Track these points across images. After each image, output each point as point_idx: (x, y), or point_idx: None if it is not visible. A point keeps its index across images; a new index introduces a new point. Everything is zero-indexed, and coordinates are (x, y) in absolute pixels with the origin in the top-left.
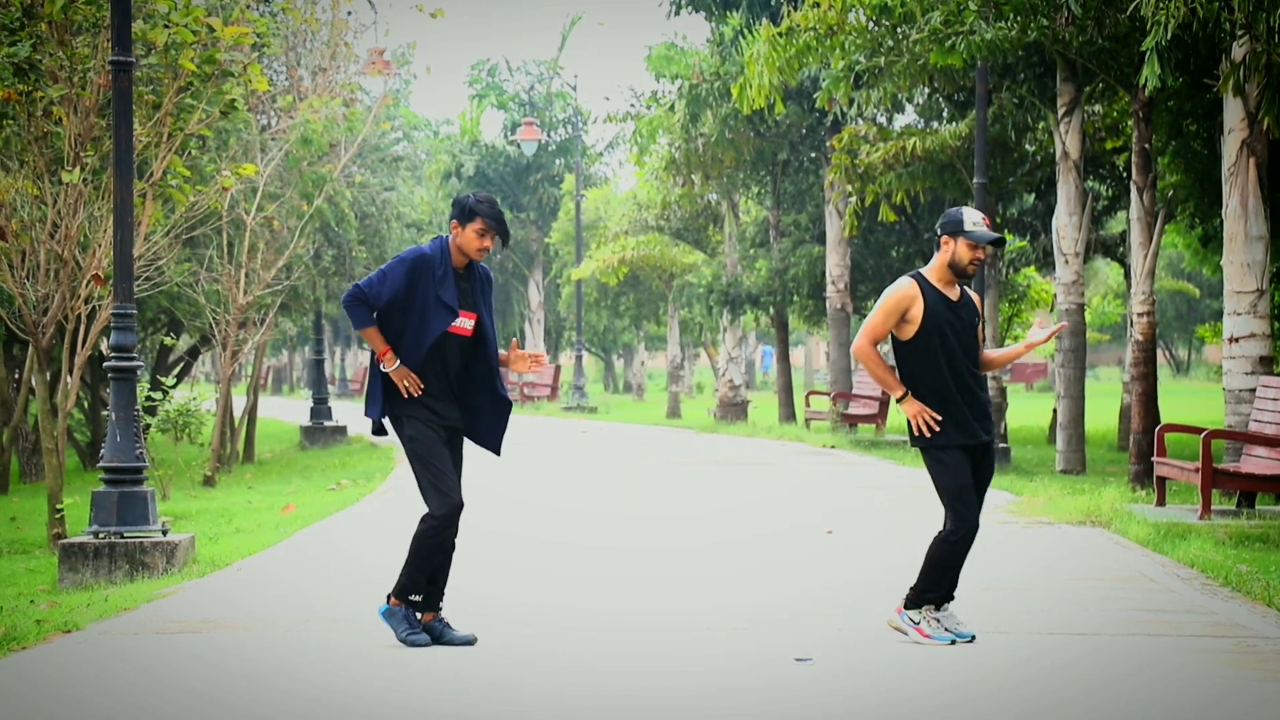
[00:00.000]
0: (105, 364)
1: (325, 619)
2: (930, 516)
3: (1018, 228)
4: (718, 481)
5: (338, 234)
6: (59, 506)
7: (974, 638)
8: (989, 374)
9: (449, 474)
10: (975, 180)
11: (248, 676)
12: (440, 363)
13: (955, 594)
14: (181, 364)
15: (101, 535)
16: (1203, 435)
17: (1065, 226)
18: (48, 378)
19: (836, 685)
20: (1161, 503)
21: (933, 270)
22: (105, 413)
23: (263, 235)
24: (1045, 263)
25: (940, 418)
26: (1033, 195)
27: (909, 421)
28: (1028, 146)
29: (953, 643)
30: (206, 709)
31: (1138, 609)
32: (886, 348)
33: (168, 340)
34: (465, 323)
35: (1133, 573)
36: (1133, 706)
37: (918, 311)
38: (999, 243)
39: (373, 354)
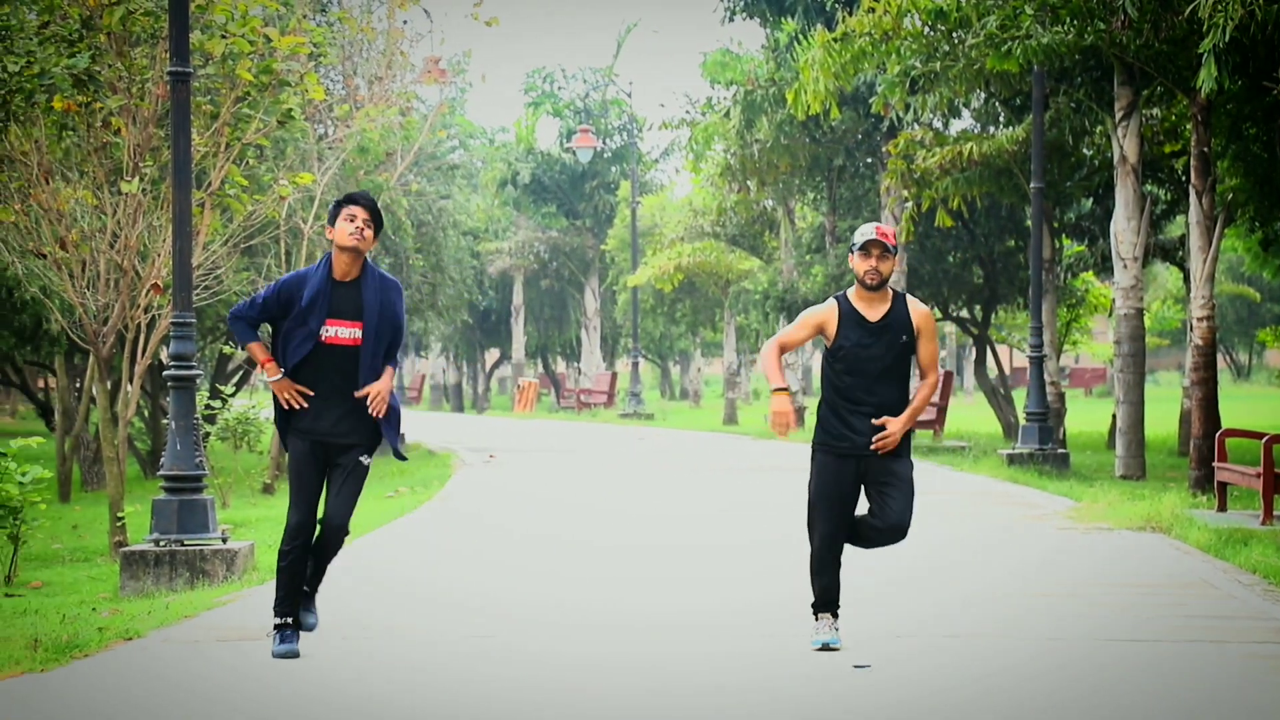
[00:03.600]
0: (165, 373)
1: (381, 629)
2: (971, 519)
3: (1076, 232)
4: (767, 486)
5: (395, 242)
6: (120, 515)
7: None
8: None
9: (302, 490)
10: (1032, 185)
11: (305, 684)
12: (327, 374)
13: (838, 605)
14: (240, 373)
15: (162, 543)
16: (1264, 440)
17: (1124, 231)
18: (108, 387)
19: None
20: (1222, 508)
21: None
22: (165, 421)
23: (320, 244)
24: (1104, 267)
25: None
26: (1090, 200)
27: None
28: (1085, 151)
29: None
30: (265, 716)
31: (1199, 615)
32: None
33: (227, 349)
34: (344, 332)
35: (1194, 579)
36: (1193, 713)
37: (831, 329)
38: (877, 245)
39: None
